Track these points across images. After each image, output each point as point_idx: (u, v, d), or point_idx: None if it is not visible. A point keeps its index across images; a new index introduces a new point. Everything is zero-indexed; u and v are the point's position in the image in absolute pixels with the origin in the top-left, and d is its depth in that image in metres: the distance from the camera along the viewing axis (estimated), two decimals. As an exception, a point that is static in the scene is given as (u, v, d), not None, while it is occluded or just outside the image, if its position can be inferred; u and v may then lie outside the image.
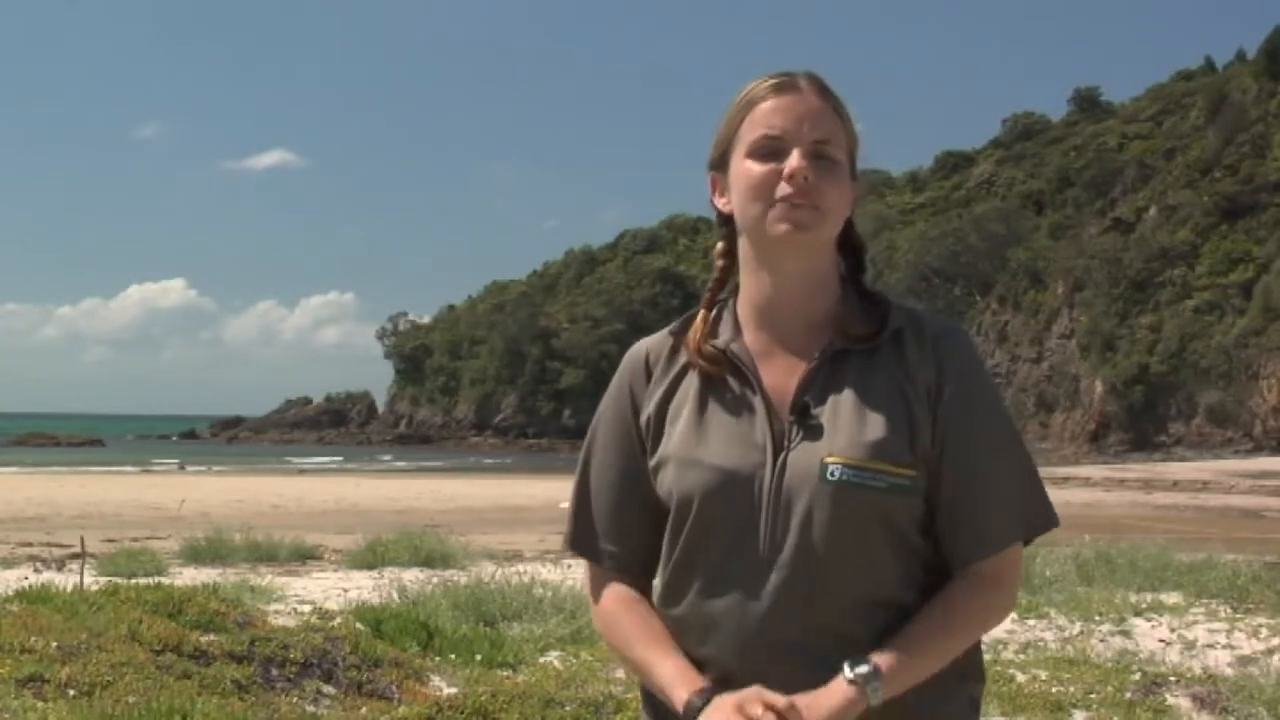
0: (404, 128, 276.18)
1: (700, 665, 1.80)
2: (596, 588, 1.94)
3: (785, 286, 1.84)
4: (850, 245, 1.90)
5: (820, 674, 1.73)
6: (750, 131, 1.81)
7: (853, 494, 1.74)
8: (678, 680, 1.78)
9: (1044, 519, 1.85)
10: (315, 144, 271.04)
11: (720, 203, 1.89)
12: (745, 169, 1.81)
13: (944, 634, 1.77)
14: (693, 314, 1.92)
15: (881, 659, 1.71)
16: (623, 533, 1.90)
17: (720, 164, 1.88)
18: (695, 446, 1.81)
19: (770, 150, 1.80)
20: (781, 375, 1.82)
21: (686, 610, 1.82)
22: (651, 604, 1.89)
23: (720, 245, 1.93)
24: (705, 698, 1.73)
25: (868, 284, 1.91)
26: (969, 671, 1.86)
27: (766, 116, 1.81)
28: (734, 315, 1.89)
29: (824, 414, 1.78)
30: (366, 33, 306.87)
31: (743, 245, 1.87)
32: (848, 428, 1.76)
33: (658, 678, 1.81)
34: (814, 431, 1.77)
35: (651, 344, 1.94)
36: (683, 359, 1.89)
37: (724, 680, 1.77)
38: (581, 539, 1.94)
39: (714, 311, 1.91)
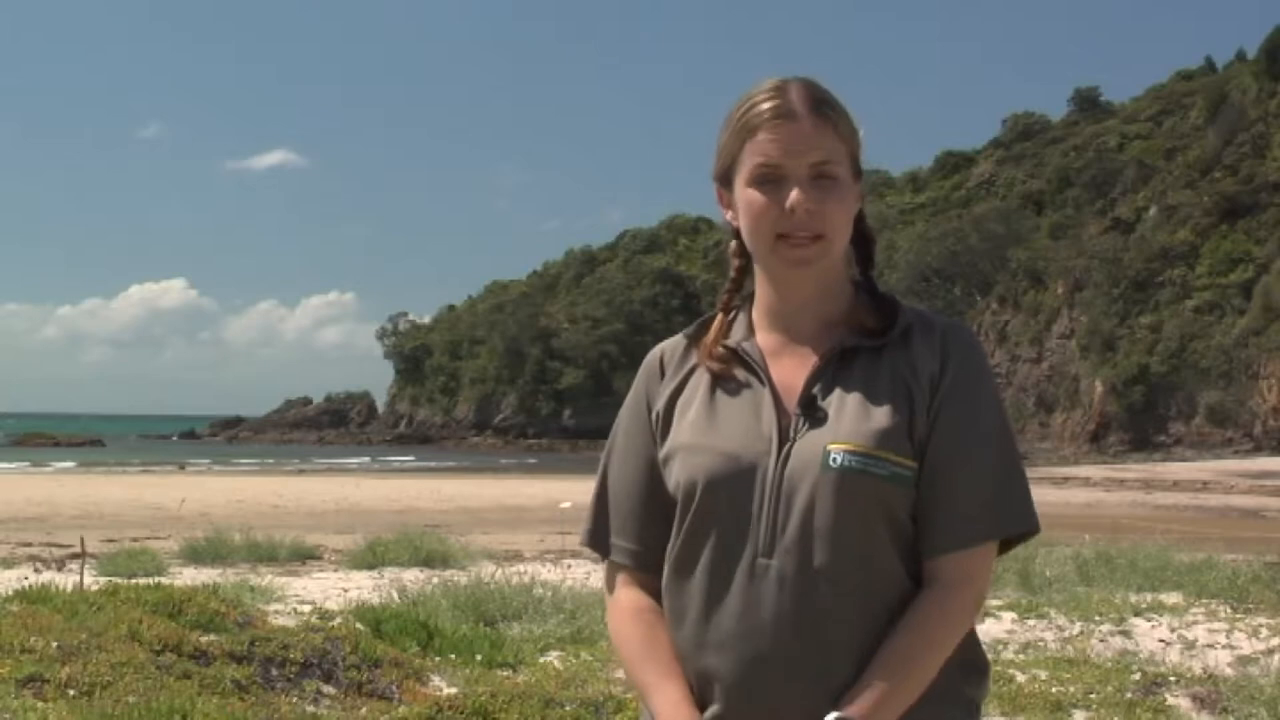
0: (406, 128, 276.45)
1: (699, 649, 1.82)
2: (613, 586, 1.96)
3: (795, 299, 1.87)
4: (860, 239, 1.92)
5: (818, 666, 1.75)
6: (749, 159, 1.82)
7: (854, 480, 1.75)
8: (671, 714, 1.80)
9: (1021, 522, 1.84)
10: (317, 144, 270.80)
11: (728, 215, 1.91)
12: (747, 197, 1.83)
13: (918, 653, 1.76)
14: (709, 317, 1.95)
15: (856, 708, 1.72)
16: (640, 531, 1.91)
17: (725, 180, 1.89)
18: (703, 435, 1.84)
19: (769, 178, 1.81)
20: (791, 372, 1.85)
21: (687, 598, 1.83)
22: (662, 613, 1.89)
23: (734, 245, 1.95)
24: None
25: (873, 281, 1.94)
26: (968, 674, 1.85)
27: (763, 146, 1.81)
28: (749, 318, 1.92)
29: (830, 405, 1.80)
30: (369, 33, 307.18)
31: (754, 258, 1.90)
32: (851, 417, 1.78)
33: (653, 704, 1.83)
34: (819, 422, 1.79)
35: (667, 345, 1.98)
36: (695, 358, 1.92)
37: (722, 668, 1.78)
38: (599, 536, 1.96)
39: (730, 315, 1.94)
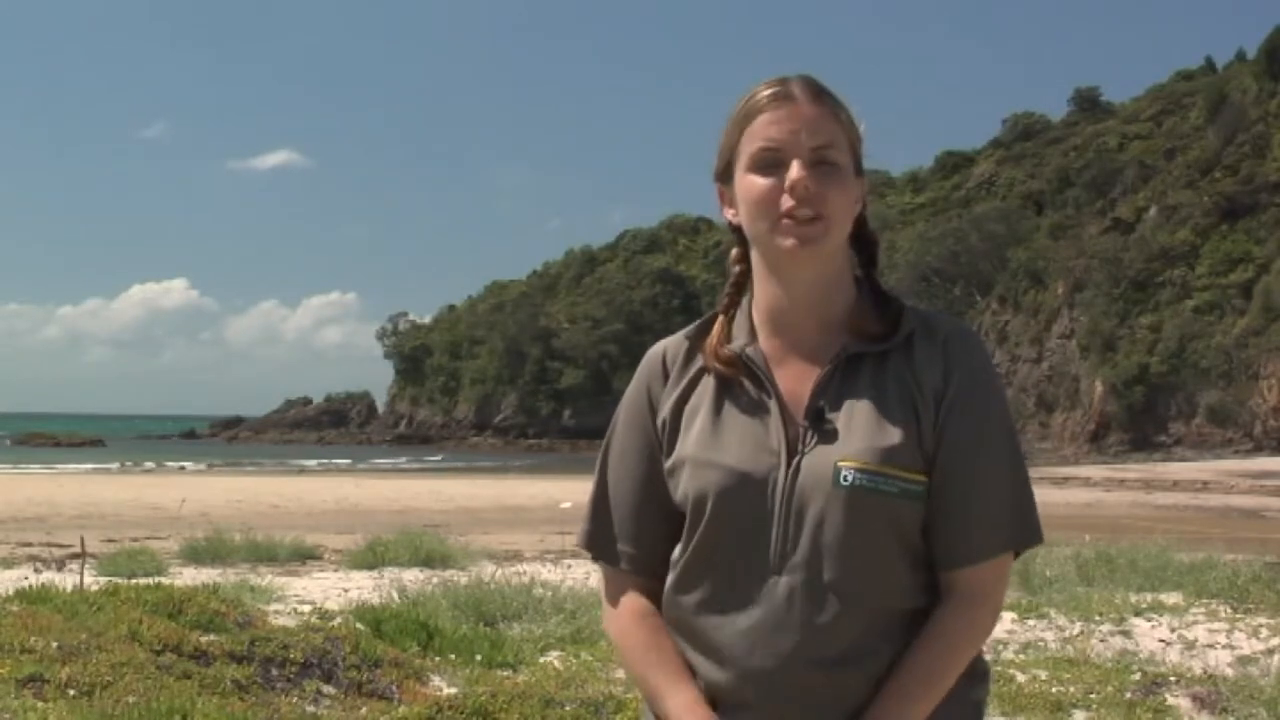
0: (408, 128, 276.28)
1: (706, 664, 1.81)
2: (611, 590, 1.94)
3: (798, 294, 1.85)
4: (863, 240, 1.91)
5: (828, 679, 1.75)
6: (749, 145, 1.82)
7: (865, 498, 1.75)
8: (686, 716, 1.79)
9: (1030, 534, 1.84)
10: (319, 144, 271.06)
11: (729, 214, 1.89)
12: (748, 183, 1.82)
13: (939, 668, 1.77)
14: (710, 317, 1.93)
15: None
16: (639, 534, 1.90)
17: (724, 176, 1.88)
18: (711, 448, 1.82)
19: (770, 162, 1.80)
20: (796, 380, 1.83)
21: (695, 611, 1.83)
22: (662, 616, 1.89)
23: (735, 251, 1.94)
24: None
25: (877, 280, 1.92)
26: (971, 676, 1.85)
27: (763, 129, 1.81)
28: (749, 320, 1.90)
29: (838, 419, 1.79)
30: (370, 33, 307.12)
31: (754, 253, 1.88)
32: (861, 432, 1.77)
33: (667, 708, 1.82)
34: (828, 436, 1.78)
35: (669, 345, 1.96)
36: (699, 362, 1.90)
37: (729, 683, 1.78)
38: (598, 539, 1.94)
39: (731, 315, 1.92)
